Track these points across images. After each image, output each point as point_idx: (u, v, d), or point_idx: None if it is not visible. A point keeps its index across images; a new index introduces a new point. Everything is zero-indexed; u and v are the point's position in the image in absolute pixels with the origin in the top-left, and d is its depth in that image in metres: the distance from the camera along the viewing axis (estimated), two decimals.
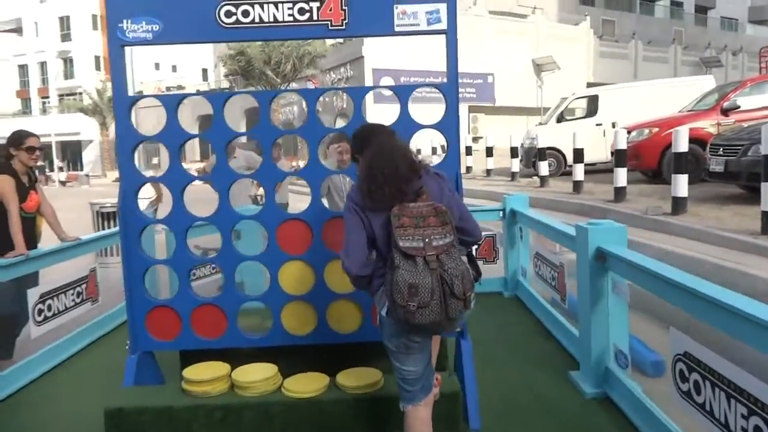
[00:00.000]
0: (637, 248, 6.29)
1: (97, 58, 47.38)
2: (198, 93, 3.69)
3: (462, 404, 2.84)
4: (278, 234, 3.10)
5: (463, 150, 17.42)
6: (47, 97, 52.05)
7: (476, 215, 6.57)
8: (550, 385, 3.50)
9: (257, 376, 2.80)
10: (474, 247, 5.52)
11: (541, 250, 4.76)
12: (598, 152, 12.61)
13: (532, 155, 12.93)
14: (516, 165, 13.15)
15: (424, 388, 2.32)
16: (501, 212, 5.63)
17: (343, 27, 2.89)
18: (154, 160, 36.09)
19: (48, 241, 4.50)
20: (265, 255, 3.14)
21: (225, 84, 38.24)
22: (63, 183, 36.18)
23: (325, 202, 3.68)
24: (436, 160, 17.80)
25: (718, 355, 2.18)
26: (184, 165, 3.16)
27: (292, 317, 3.17)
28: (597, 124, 13.25)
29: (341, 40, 29.18)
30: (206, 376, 2.79)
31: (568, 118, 13.83)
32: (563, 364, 3.76)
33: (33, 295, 4.01)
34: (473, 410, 3.00)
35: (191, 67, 54.54)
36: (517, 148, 13.22)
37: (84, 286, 4.62)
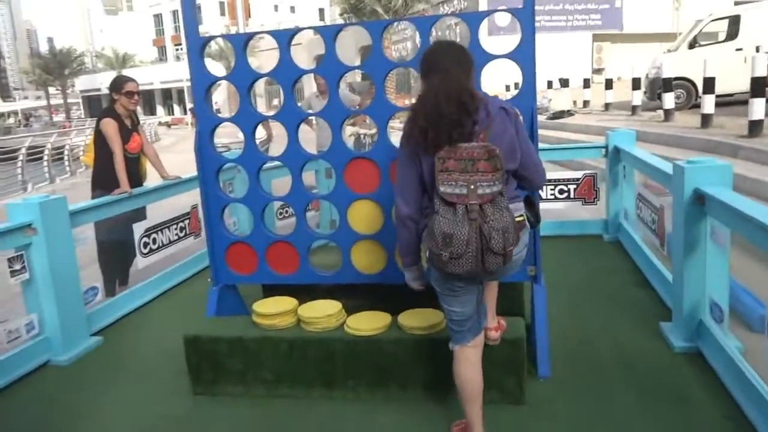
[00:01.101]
0: (763, 188, 5.62)
1: (221, 4, 49.33)
2: (266, 31, 3.59)
3: (528, 350, 2.71)
4: (346, 173, 3.07)
5: (580, 83, 16.31)
6: (180, 45, 55.37)
7: (576, 153, 6.23)
8: (637, 335, 3.26)
9: (321, 312, 2.85)
10: (572, 187, 5.22)
11: (642, 191, 4.36)
12: (736, 81, 11.17)
13: (657, 86, 11.76)
14: (637, 98, 12.09)
15: (472, 329, 2.23)
16: (604, 149, 5.20)
17: None
18: (275, 102, 37.52)
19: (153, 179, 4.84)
20: (334, 194, 3.13)
21: (339, 23, 38.45)
22: (168, 125, 39.24)
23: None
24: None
25: None
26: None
27: (363, 256, 3.17)
28: (737, 49, 11.73)
29: None
30: (273, 310, 2.88)
31: (702, 43, 12.35)
32: (656, 315, 3.47)
33: (138, 229, 4.36)
34: (542, 357, 2.87)
35: (308, 7, 55.23)
36: (639, 79, 12.10)
37: (187, 221, 4.95)
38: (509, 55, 2.85)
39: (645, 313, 3.54)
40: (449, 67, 2.06)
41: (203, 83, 3.14)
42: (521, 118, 2.26)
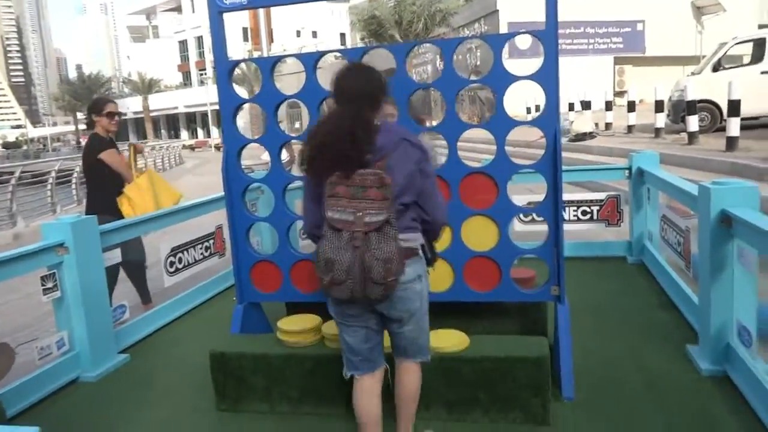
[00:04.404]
0: None
1: (244, 29, 50.44)
2: (293, 54, 3.66)
3: (552, 371, 2.69)
4: None
5: (602, 105, 16.28)
6: (204, 70, 56.66)
7: (599, 174, 6.19)
8: (663, 357, 3.22)
9: None
10: (595, 208, 5.19)
11: (667, 213, 4.33)
12: (762, 104, 11.11)
13: (680, 109, 11.70)
14: (660, 120, 12.03)
15: (363, 364, 2.27)
16: (627, 171, 5.19)
17: None
18: (296, 125, 38.04)
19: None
20: None
21: (361, 46, 39.04)
22: (192, 148, 39.90)
23: None
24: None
25: None
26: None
27: None
28: (763, 72, 11.63)
29: None
30: (297, 328, 2.91)
31: (726, 66, 12.26)
32: (682, 337, 3.42)
33: (165, 248, 4.44)
34: (567, 378, 2.85)
35: (330, 32, 56.19)
36: (662, 101, 12.04)
37: (212, 241, 5.02)
38: (532, 77, 2.89)
39: (670, 336, 3.50)
40: (354, 99, 2.08)
41: (231, 105, 3.22)
42: (431, 157, 2.28)
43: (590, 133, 14.07)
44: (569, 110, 18.16)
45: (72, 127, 71.41)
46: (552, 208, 2.95)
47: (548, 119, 2.89)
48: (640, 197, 5.07)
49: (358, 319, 2.16)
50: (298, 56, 3.16)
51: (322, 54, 3.17)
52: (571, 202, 5.27)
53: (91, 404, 3.20)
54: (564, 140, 14.29)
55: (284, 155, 8.24)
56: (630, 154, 5.20)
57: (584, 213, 5.26)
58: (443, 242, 3.08)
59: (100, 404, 3.19)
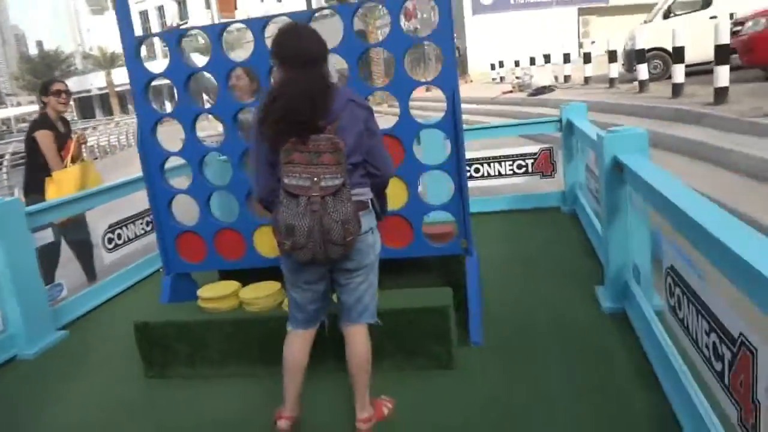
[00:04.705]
0: (721, 154, 5.75)
1: None
2: (196, 27, 3.63)
3: (454, 318, 2.84)
4: None
5: (560, 59, 16.34)
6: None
7: (533, 128, 6.32)
8: (573, 300, 3.40)
9: (260, 293, 2.99)
10: (529, 161, 5.32)
11: (589, 162, 4.48)
12: (711, 49, 11.22)
13: (634, 58, 11.81)
14: (614, 70, 12.14)
15: (304, 321, 2.36)
16: (559, 123, 5.31)
17: None
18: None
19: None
20: None
21: (327, 11, 38.19)
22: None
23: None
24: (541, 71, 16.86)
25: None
26: None
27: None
28: (711, 17, 11.72)
29: None
30: (215, 294, 3.02)
31: (677, 12, 12.34)
32: (596, 281, 3.61)
33: (102, 225, 4.49)
34: (475, 325, 3.01)
35: None
36: (614, 51, 12.14)
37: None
38: (428, 38, 2.96)
39: (587, 280, 3.67)
40: (316, 60, 2.07)
41: (141, 80, 3.25)
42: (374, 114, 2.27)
43: (549, 86, 14.17)
44: (530, 64, 18.20)
45: (36, 107, 69.55)
46: (455, 165, 3.06)
47: (447, 78, 2.97)
48: (570, 148, 5.21)
49: (311, 283, 2.25)
50: (203, 28, 3.18)
51: (226, 25, 3.20)
52: (506, 157, 5.40)
53: (27, 380, 3.29)
54: (524, 95, 14.41)
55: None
56: (560, 106, 5.32)
57: (519, 167, 5.40)
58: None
59: (36, 380, 3.29)
